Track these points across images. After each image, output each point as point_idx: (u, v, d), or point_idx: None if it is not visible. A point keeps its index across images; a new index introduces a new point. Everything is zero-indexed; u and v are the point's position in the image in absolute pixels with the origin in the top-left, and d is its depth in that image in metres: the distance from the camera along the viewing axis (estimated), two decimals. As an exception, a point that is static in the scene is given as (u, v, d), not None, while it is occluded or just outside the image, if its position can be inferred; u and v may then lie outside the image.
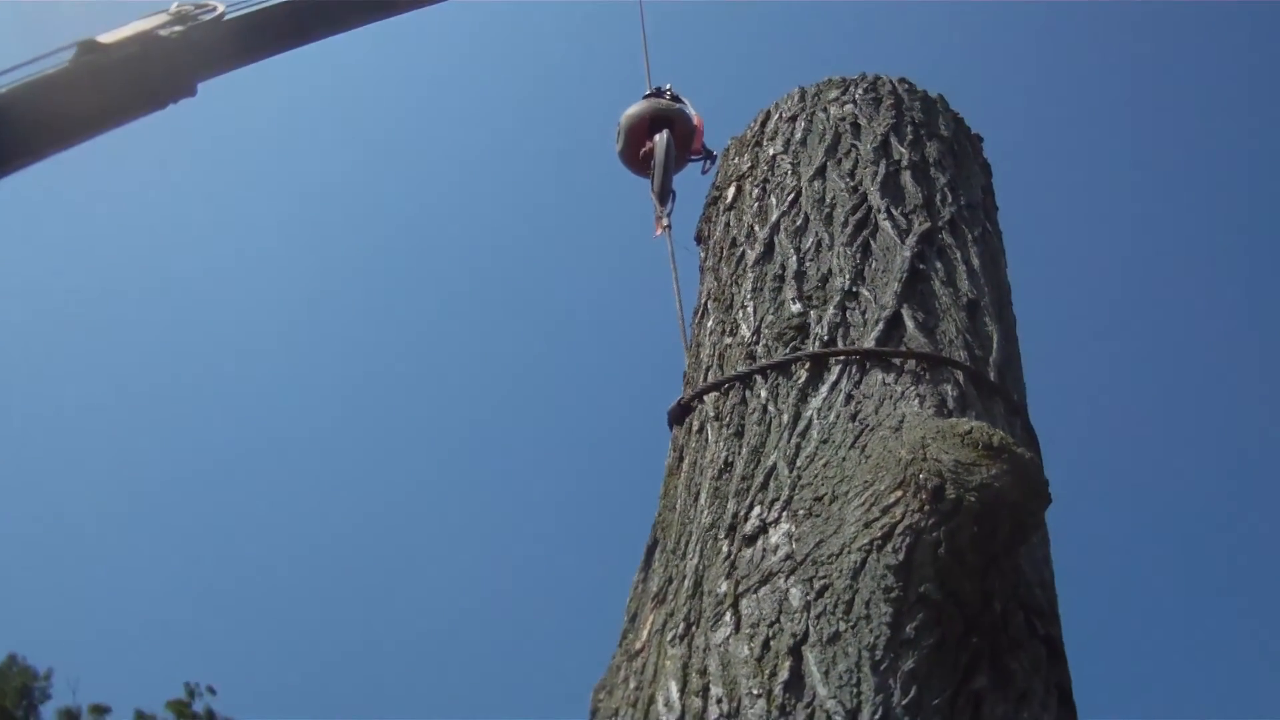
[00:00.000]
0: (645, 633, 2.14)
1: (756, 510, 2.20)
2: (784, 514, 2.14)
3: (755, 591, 1.99)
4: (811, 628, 1.88)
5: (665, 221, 4.27)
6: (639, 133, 4.92)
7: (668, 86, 5.32)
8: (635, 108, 5.07)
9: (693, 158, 4.90)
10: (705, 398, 2.68)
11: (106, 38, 4.84)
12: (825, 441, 2.29)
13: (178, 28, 5.08)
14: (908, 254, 2.84)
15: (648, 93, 5.29)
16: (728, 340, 2.82)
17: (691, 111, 5.09)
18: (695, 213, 3.78)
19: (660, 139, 4.76)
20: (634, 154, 4.91)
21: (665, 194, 4.50)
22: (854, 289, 2.75)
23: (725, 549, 2.15)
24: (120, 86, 4.86)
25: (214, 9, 5.34)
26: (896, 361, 2.49)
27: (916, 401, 2.35)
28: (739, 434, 2.47)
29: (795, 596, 1.94)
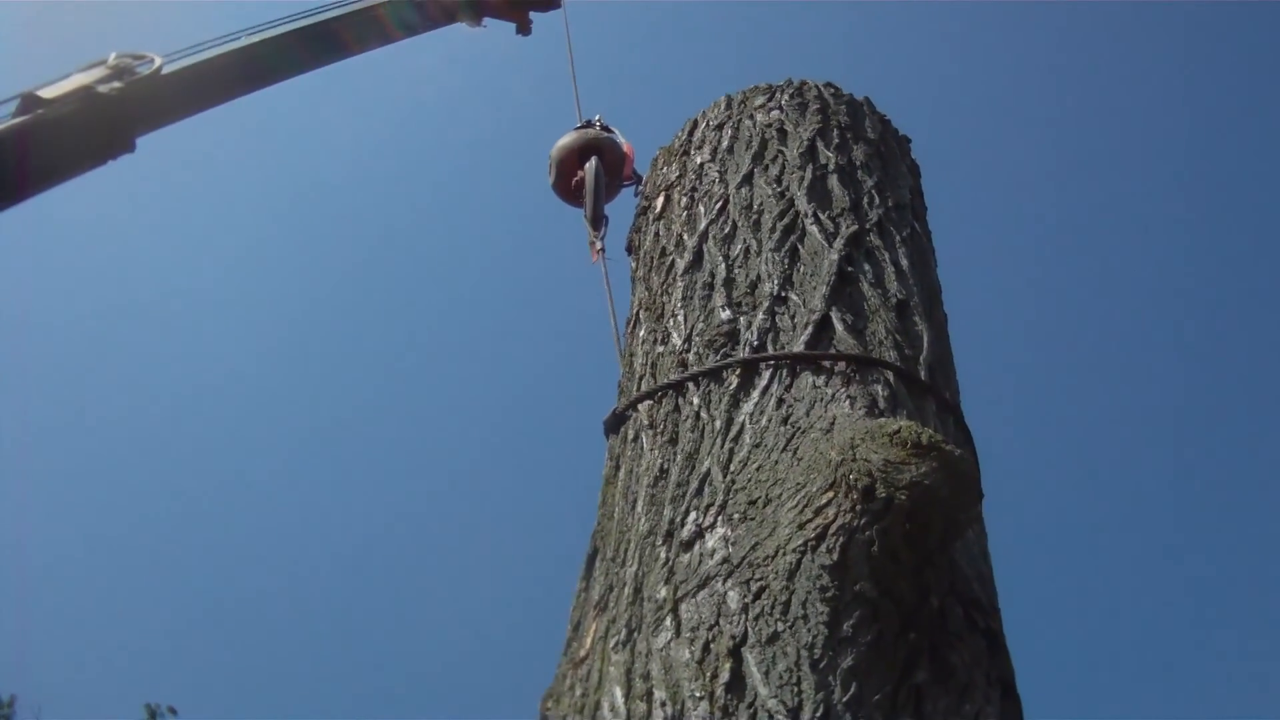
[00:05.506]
0: (589, 640, 2.15)
1: (693, 516, 2.21)
2: (719, 518, 2.16)
3: (694, 596, 2.00)
4: (750, 629, 1.89)
5: (599, 246, 4.30)
6: (570, 163, 4.94)
7: (597, 117, 5.34)
8: (565, 139, 5.08)
9: (624, 184, 4.92)
10: (639, 406, 2.69)
11: (48, 92, 4.77)
12: (758, 446, 2.31)
13: (116, 83, 5.02)
14: (835, 257, 2.86)
15: (578, 125, 5.31)
16: (660, 349, 2.83)
17: (621, 140, 5.11)
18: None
19: (590, 165, 4.78)
20: (566, 185, 4.93)
21: (598, 220, 4.52)
22: (783, 294, 2.76)
23: (663, 555, 2.16)
24: (60, 143, 4.81)
25: (151, 61, 5.28)
26: (826, 364, 2.51)
27: (847, 403, 2.37)
28: (673, 441, 2.48)
29: (733, 599, 1.95)
